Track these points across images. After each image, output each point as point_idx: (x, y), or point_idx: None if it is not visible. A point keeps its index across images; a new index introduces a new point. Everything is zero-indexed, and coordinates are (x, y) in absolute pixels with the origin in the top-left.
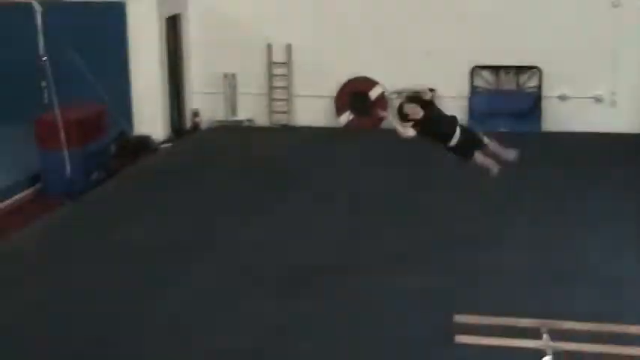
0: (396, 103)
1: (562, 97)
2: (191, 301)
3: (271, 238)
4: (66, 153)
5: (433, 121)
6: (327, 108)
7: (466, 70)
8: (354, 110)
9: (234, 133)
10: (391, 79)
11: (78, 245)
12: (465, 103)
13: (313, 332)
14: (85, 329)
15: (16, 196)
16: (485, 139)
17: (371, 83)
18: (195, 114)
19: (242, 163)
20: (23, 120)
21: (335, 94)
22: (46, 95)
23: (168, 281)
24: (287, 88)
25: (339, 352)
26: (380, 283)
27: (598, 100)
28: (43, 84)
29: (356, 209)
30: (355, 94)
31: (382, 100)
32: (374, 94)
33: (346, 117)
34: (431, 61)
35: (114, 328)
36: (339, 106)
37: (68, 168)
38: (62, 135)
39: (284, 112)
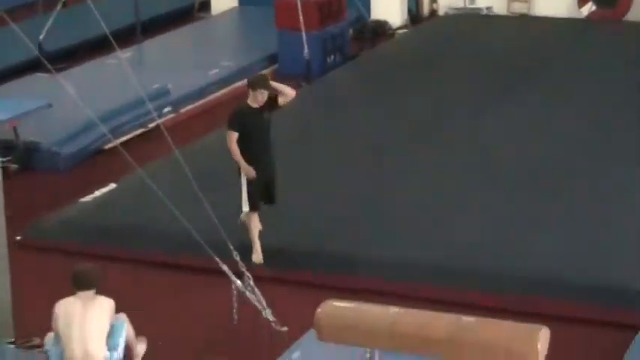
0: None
1: None
2: (430, 186)
3: (509, 128)
4: (304, 35)
5: None
6: None
7: None
8: (597, 1)
9: (471, 21)
10: None
11: (312, 128)
12: None
13: (542, 228)
14: (329, 209)
15: None
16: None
17: None
18: (433, 1)
19: (479, 51)
20: (266, 0)
21: None
22: None
23: (404, 167)
24: None
25: (563, 249)
26: (620, 182)
27: None
28: None
29: (597, 103)
30: None
31: None
32: None
33: (588, 8)
34: None
35: (351, 212)
36: None
37: (306, 50)
38: (301, 17)
39: (524, 2)
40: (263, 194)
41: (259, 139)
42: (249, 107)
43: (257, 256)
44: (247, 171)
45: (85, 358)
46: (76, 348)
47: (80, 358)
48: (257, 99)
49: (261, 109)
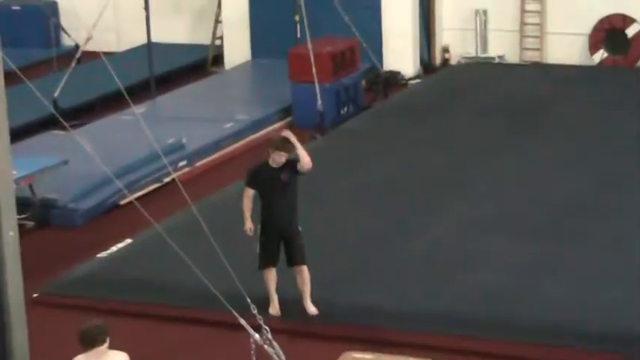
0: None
1: None
2: (444, 236)
3: (521, 177)
4: (317, 86)
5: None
6: (581, 46)
7: None
8: (609, 48)
9: (483, 69)
10: None
11: (326, 180)
12: None
13: (560, 274)
14: (344, 259)
15: (269, 128)
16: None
17: (628, 20)
18: (445, 50)
19: (492, 100)
20: (278, 54)
21: (589, 32)
22: (298, 29)
23: (419, 217)
24: (539, 25)
25: (585, 295)
26: (636, 229)
27: None
28: (297, 18)
29: (613, 150)
30: (611, 32)
31: None
32: (631, 31)
33: (600, 55)
34: None
35: (367, 262)
36: (594, 44)
37: (319, 101)
38: (314, 69)
39: (536, 50)
40: (282, 253)
41: (275, 199)
42: (268, 166)
43: (274, 308)
44: (246, 226)
45: None
46: None
47: None
48: (275, 160)
49: (280, 169)
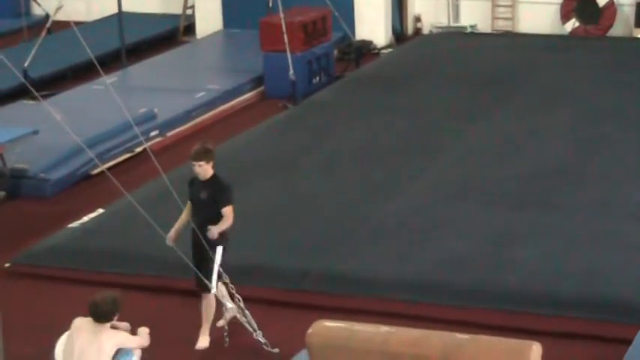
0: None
1: None
2: (416, 204)
3: (494, 145)
4: (289, 56)
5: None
6: (553, 15)
7: None
8: (580, 17)
9: (456, 39)
10: None
11: (298, 149)
12: None
13: (532, 241)
14: (317, 228)
15: (241, 98)
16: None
17: None
18: (417, 19)
19: (464, 69)
20: (250, 23)
21: (561, 1)
22: None
23: (391, 186)
24: None
25: (557, 261)
26: (606, 195)
27: None
28: None
29: (583, 118)
30: (582, 1)
31: (611, 7)
32: (602, 0)
33: (571, 24)
34: None
35: (339, 230)
36: (565, 13)
37: (291, 71)
38: (286, 38)
39: (508, 19)
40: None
41: (194, 214)
42: (197, 177)
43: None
44: (168, 235)
45: None
46: None
47: None
48: (195, 171)
49: (204, 186)
